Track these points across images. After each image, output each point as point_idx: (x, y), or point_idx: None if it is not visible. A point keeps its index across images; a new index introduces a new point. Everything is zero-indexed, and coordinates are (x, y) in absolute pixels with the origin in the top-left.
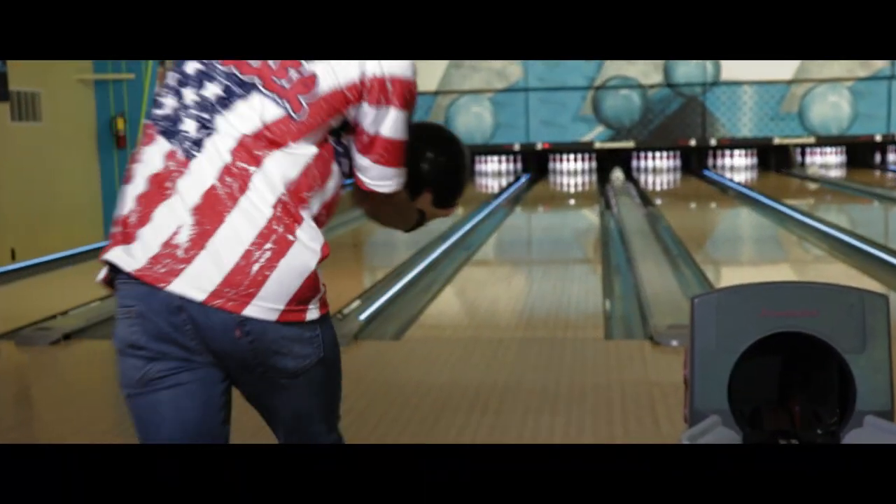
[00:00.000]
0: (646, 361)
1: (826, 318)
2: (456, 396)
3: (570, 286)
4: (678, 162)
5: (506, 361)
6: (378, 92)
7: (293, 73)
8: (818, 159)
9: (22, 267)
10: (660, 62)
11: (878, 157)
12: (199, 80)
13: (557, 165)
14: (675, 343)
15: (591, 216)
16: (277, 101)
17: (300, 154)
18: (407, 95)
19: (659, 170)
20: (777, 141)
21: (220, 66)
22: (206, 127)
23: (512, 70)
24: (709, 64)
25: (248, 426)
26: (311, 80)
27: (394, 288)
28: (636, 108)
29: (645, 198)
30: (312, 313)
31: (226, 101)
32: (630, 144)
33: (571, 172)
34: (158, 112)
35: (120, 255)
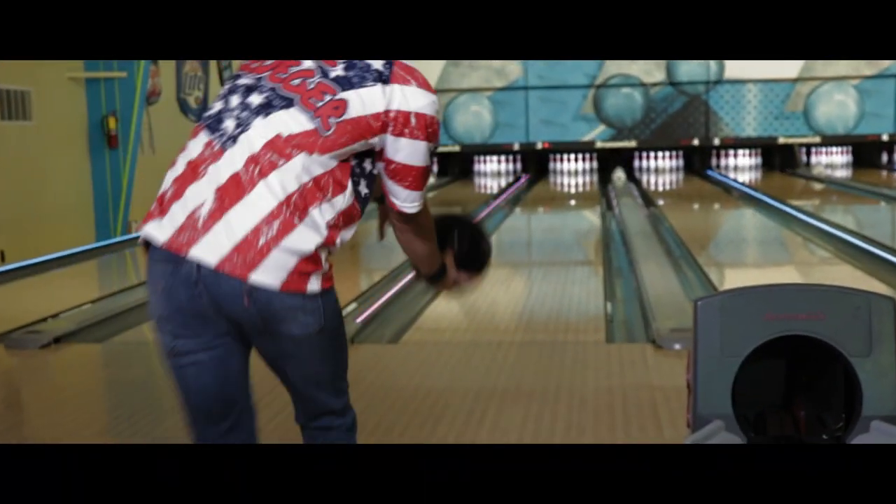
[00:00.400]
0: (648, 365)
1: (832, 322)
2: (455, 401)
3: (571, 288)
4: (681, 162)
5: (505, 365)
6: (402, 125)
7: (327, 97)
8: (824, 159)
9: (11, 269)
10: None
11: (885, 157)
12: (247, 90)
13: (558, 165)
14: (677, 347)
15: (592, 217)
16: (310, 117)
17: (318, 165)
18: (429, 129)
19: (661, 170)
20: (782, 140)
21: (266, 82)
22: (243, 126)
23: (511, 68)
24: (712, 62)
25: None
26: (342, 104)
27: (391, 290)
28: (638, 107)
29: (647, 198)
30: (314, 285)
31: (265, 108)
32: (632, 144)
33: (572, 172)
34: (207, 114)
35: (153, 229)
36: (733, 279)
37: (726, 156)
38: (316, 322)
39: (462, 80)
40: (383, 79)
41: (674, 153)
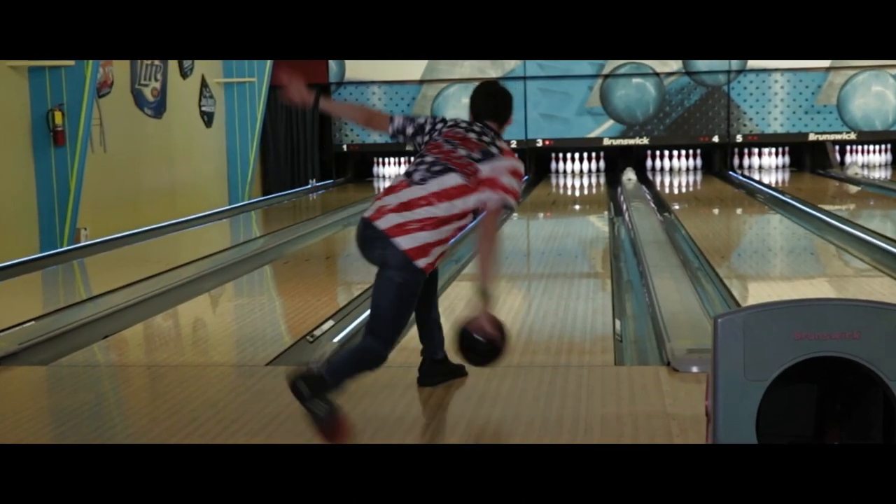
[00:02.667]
0: (662, 391)
1: (869, 341)
2: (444, 431)
3: (575, 304)
4: (699, 161)
5: (501, 392)
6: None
7: (470, 168)
8: (860, 158)
9: None
10: None
11: None
12: (430, 162)
13: (560, 165)
14: (695, 369)
15: (599, 224)
16: (461, 175)
17: (459, 202)
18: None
19: (677, 170)
20: (813, 137)
21: (439, 158)
22: (424, 177)
23: None
24: None
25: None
26: (477, 170)
27: None
28: (651, 100)
29: (661, 203)
30: (420, 263)
31: (438, 170)
32: (644, 141)
33: (576, 173)
34: (406, 169)
35: (367, 211)
36: (758, 293)
37: (750, 155)
38: (399, 275)
39: (452, 68)
40: (496, 155)
41: (691, 152)
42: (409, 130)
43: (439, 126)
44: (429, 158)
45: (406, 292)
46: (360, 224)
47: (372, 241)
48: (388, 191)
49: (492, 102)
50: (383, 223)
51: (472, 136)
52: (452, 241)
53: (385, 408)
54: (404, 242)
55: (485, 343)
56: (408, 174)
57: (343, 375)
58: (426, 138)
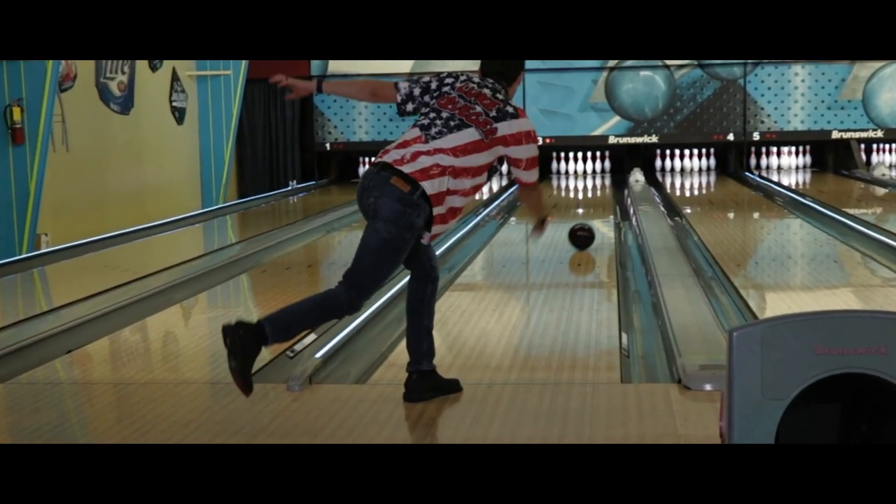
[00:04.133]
0: (672, 410)
1: None
2: None
3: (578, 316)
4: (713, 161)
5: (497, 411)
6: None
7: (488, 127)
8: (887, 158)
9: None
10: None
11: None
12: (446, 117)
13: (562, 166)
14: (708, 387)
15: (604, 229)
16: (478, 131)
17: (479, 157)
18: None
19: (689, 171)
20: (836, 135)
21: (455, 114)
22: (441, 131)
23: None
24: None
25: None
26: (495, 129)
27: (357, 319)
28: (660, 94)
29: (671, 206)
30: (436, 211)
31: (455, 125)
32: (653, 140)
33: (579, 174)
34: (421, 122)
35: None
36: (777, 305)
37: (768, 154)
38: (387, 231)
39: (443, 60)
40: (512, 115)
41: (704, 151)
42: (417, 91)
43: (450, 81)
44: (445, 114)
45: (389, 247)
46: (367, 171)
47: (370, 189)
48: (402, 144)
49: (497, 61)
50: (404, 168)
51: (487, 91)
52: (466, 202)
53: (371, 430)
54: (429, 187)
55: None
56: (423, 127)
57: (303, 320)
58: (436, 94)
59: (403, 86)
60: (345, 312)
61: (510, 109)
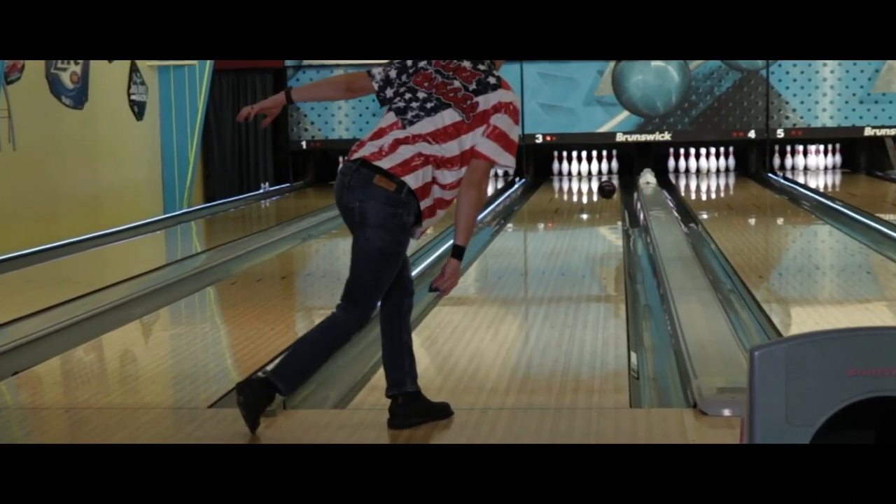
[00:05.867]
0: (687, 438)
1: None
2: None
3: (583, 334)
4: (732, 161)
5: (492, 439)
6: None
7: (468, 103)
8: None
9: None
10: None
11: None
12: (422, 98)
13: (564, 166)
14: (727, 413)
15: (611, 237)
16: (457, 111)
17: (460, 140)
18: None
19: (705, 172)
20: (869, 132)
21: (432, 93)
22: (418, 115)
23: None
24: None
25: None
26: (475, 104)
27: None
28: (674, 87)
29: (686, 211)
30: (424, 226)
31: (432, 107)
32: (665, 137)
33: (584, 176)
34: (397, 104)
35: (352, 154)
36: (803, 321)
37: (793, 153)
38: (379, 238)
39: None
40: (493, 87)
41: (722, 150)
42: (393, 73)
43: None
44: (421, 94)
45: (386, 254)
46: (342, 169)
47: (351, 189)
48: (379, 133)
49: None
50: (383, 162)
51: (467, 63)
52: (452, 197)
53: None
54: (413, 181)
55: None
56: (399, 111)
57: (315, 360)
58: (412, 71)
59: (377, 71)
60: (355, 333)
61: (492, 80)
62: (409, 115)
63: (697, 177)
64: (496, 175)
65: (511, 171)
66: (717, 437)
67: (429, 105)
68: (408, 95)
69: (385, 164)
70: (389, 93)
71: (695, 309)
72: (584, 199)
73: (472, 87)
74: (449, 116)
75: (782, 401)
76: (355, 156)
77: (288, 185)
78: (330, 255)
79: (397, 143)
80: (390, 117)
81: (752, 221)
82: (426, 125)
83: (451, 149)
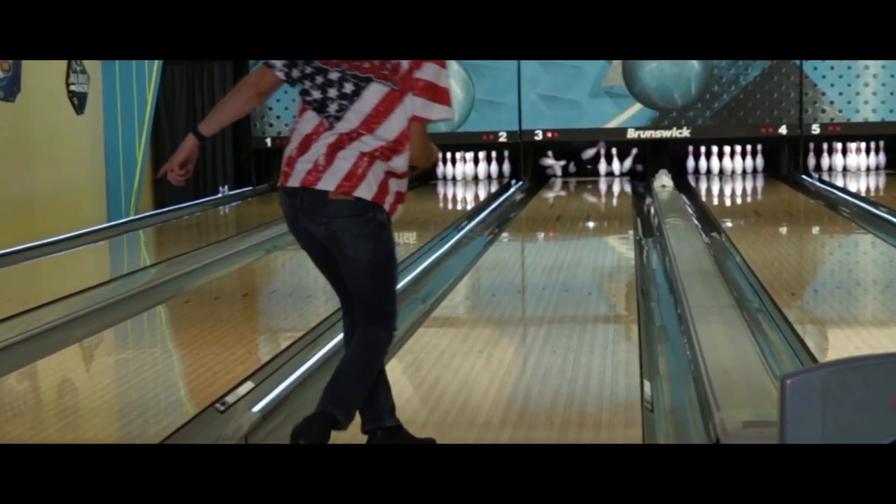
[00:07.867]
0: None
1: None
2: None
3: (589, 360)
4: (760, 161)
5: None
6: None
7: (387, 67)
8: None
9: None
10: None
11: None
12: (337, 81)
13: (567, 166)
14: None
15: (621, 248)
16: (381, 82)
17: (397, 117)
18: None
19: (729, 174)
20: None
21: (345, 70)
22: (341, 105)
23: None
24: None
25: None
26: (397, 65)
27: (307, 363)
28: (693, 76)
29: (707, 219)
30: (386, 205)
31: (351, 90)
32: (684, 133)
33: (602, 176)
34: (312, 97)
35: (287, 177)
36: (842, 345)
37: (831, 152)
38: (367, 251)
39: None
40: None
41: (749, 148)
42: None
43: None
44: (333, 74)
45: (381, 261)
46: (285, 190)
47: (309, 212)
48: (305, 143)
49: None
50: (325, 184)
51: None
52: (405, 184)
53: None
54: (366, 191)
55: None
56: (318, 108)
57: (359, 390)
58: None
59: (276, 62)
60: (389, 345)
61: None
62: (331, 109)
63: (720, 179)
64: (490, 178)
65: (450, 119)
66: None
67: (347, 89)
68: (319, 80)
69: (328, 184)
70: (296, 73)
71: (717, 331)
72: (591, 205)
73: None
74: (374, 92)
75: (818, 435)
76: (290, 182)
77: (250, 188)
78: (298, 269)
79: (332, 150)
80: (310, 118)
81: (784, 230)
82: (355, 116)
83: (390, 130)
